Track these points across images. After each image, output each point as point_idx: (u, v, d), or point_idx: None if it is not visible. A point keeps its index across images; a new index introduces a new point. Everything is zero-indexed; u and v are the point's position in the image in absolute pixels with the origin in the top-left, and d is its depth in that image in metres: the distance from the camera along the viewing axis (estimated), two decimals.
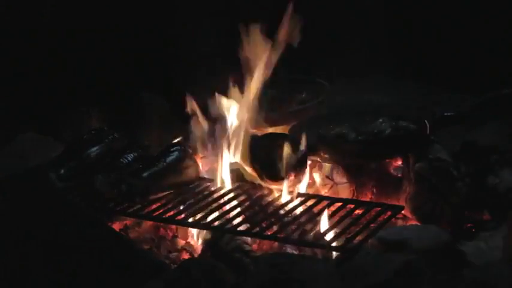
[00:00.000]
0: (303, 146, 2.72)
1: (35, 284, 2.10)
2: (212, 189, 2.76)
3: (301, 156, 2.72)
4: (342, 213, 2.54)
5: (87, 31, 3.46)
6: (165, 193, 2.70)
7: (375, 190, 2.77)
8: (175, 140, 2.99)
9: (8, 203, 2.51)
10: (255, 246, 2.51)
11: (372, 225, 2.45)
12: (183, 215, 2.56)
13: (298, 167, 2.72)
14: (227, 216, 2.53)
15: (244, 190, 2.72)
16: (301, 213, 2.54)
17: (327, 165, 2.86)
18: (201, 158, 3.02)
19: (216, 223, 2.48)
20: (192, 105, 2.97)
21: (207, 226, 2.49)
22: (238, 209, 2.57)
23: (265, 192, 2.71)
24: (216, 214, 2.54)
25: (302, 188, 2.80)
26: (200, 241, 2.57)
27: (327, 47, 3.13)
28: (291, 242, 2.38)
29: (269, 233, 2.41)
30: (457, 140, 2.75)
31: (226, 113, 2.95)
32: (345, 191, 2.78)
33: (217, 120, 3.00)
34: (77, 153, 2.85)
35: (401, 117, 2.84)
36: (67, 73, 3.49)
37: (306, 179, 2.77)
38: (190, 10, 3.29)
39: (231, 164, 2.82)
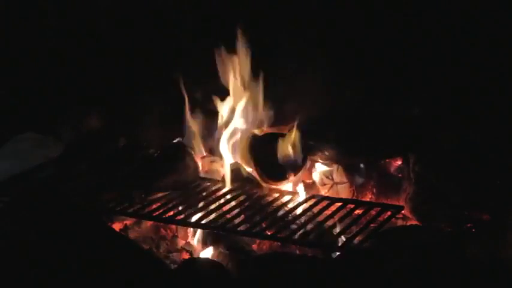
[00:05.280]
0: (302, 146, 2.72)
1: (35, 284, 2.10)
2: (212, 189, 2.76)
3: (301, 156, 2.73)
4: (342, 213, 2.54)
5: (88, 31, 3.46)
6: (165, 193, 2.70)
7: (374, 190, 2.77)
8: (175, 140, 2.99)
9: (9, 204, 2.51)
10: (255, 246, 2.51)
11: (372, 225, 2.46)
12: (183, 215, 2.56)
13: (298, 167, 2.73)
14: (227, 216, 2.53)
15: (244, 190, 2.72)
16: (301, 213, 2.54)
17: (327, 165, 2.86)
18: (201, 158, 3.02)
19: (216, 223, 2.48)
20: (192, 105, 2.98)
21: (207, 226, 2.49)
22: (238, 209, 2.57)
23: (265, 192, 2.71)
24: (216, 214, 2.54)
25: (302, 188, 2.80)
26: (200, 241, 2.57)
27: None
28: (291, 242, 2.38)
29: (269, 233, 2.41)
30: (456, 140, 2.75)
31: (226, 113, 2.95)
32: (345, 191, 2.78)
33: (217, 121, 3.00)
34: (78, 154, 2.86)
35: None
36: (67, 73, 3.49)
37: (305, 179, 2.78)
38: (190, 11, 3.29)
39: (231, 164, 2.82)
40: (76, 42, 3.49)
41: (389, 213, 2.54)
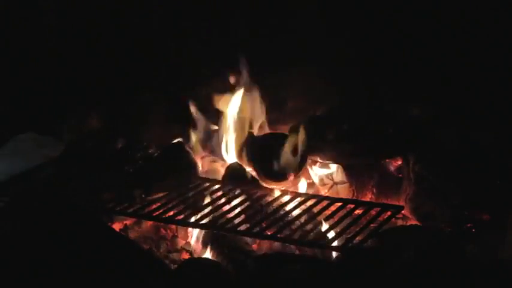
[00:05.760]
0: (302, 146, 2.72)
1: (35, 284, 2.10)
2: (212, 189, 2.76)
3: (301, 156, 2.73)
4: (341, 213, 2.54)
5: (88, 31, 3.47)
6: (165, 193, 2.70)
7: (374, 190, 2.77)
8: (175, 141, 2.99)
9: (9, 204, 2.51)
10: (255, 246, 2.51)
11: (372, 225, 2.45)
12: (183, 215, 2.56)
13: (298, 167, 2.73)
14: (227, 216, 2.53)
15: (244, 190, 2.72)
16: (301, 213, 2.54)
17: (327, 165, 2.86)
18: (201, 158, 3.02)
19: (216, 223, 2.48)
20: (192, 105, 2.98)
21: (207, 226, 2.49)
22: (238, 209, 2.57)
23: (265, 192, 2.71)
24: (216, 214, 2.54)
25: (302, 188, 2.80)
26: (200, 241, 2.57)
27: None
28: (291, 242, 2.38)
29: (269, 233, 2.41)
30: (456, 140, 2.75)
31: (226, 113, 2.95)
32: (345, 191, 2.78)
33: (217, 121, 3.00)
34: (78, 154, 2.86)
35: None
36: (67, 73, 3.49)
37: (305, 179, 2.78)
38: (191, 13, 3.30)
39: (231, 164, 2.82)
40: (76, 42, 3.49)
41: (389, 213, 2.54)
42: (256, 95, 2.93)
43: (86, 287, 2.09)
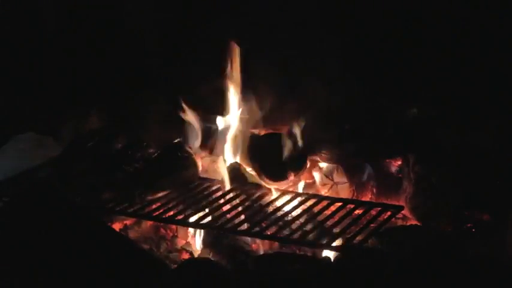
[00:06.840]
0: (302, 146, 2.72)
1: (35, 284, 2.10)
2: (212, 189, 2.76)
3: (301, 156, 2.73)
4: (342, 213, 2.54)
5: (87, 31, 3.46)
6: (165, 193, 2.70)
7: (375, 190, 2.77)
8: (175, 140, 2.99)
9: (9, 204, 2.51)
10: (255, 246, 2.51)
11: (372, 225, 2.46)
12: (183, 215, 2.56)
13: (298, 167, 2.73)
14: (227, 216, 2.53)
15: (244, 190, 2.72)
16: (301, 213, 2.54)
17: (327, 165, 2.86)
18: (201, 158, 3.02)
19: (216, 223, 2.48)
20: (192, 105, 2.98)
21: (207, 226, 2.49)
22: (238, 209, 2.57)
23: (265, 192, 2.71)
24: (216, 214, 2.54)
25: (302, 188, 2.80)
26: (200, 241, 2.57)
27: None
28: (291, 242, 2.38)
29: (269, 233, 2.41)
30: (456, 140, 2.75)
31: (226, 113, 2.96)
32: (345, 191, 2.78)
33: (217, 121, 3.00)
34: (78, 154, 2.86)
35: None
36: (67, 73, 3.49)
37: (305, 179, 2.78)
38: (191, 13, 3.29)
39: (231, 164, 2.82)
40: (76, 42, 3.49)
41: (389, 213, 2.54)
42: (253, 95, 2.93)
43: (86, 287, 2.09)
